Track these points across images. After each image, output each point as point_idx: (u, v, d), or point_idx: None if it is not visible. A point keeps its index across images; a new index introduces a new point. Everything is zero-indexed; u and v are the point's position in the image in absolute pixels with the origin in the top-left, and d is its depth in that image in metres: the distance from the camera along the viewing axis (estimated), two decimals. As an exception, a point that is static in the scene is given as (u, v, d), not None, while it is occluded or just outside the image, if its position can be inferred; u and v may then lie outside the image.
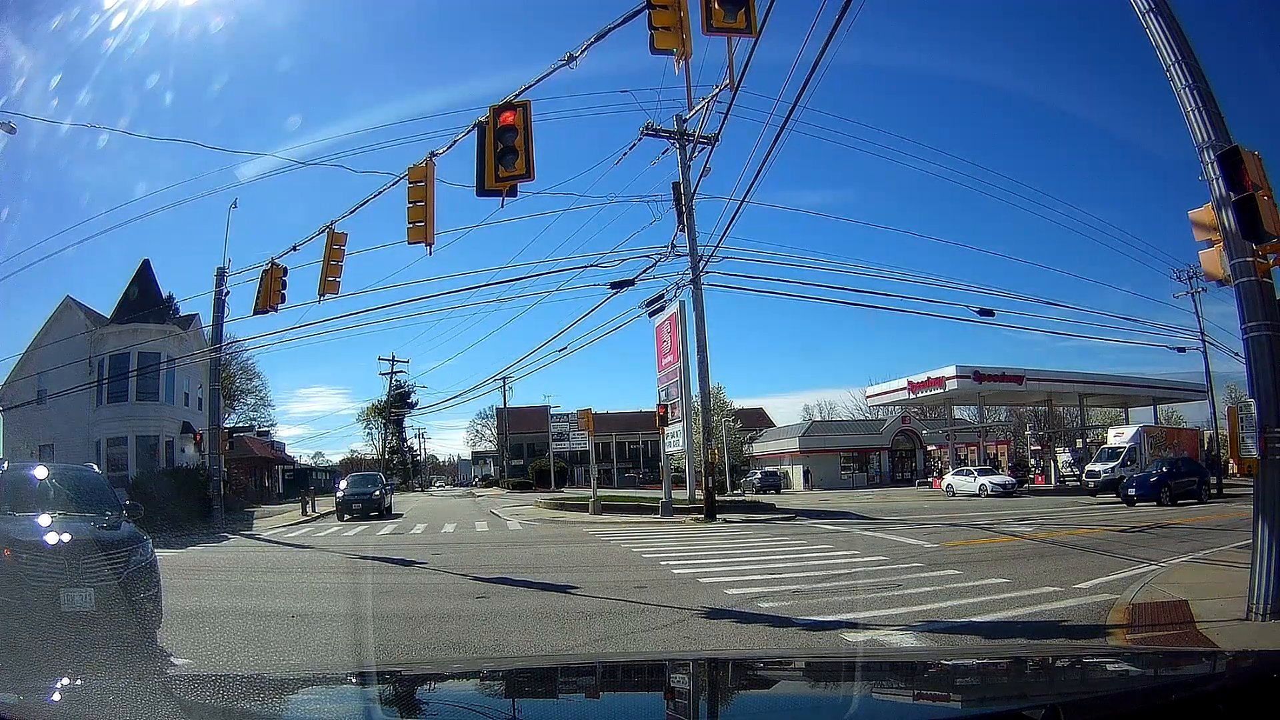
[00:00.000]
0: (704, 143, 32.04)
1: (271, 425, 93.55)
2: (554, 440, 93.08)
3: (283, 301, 26.85)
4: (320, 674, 4.65)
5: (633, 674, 4.07)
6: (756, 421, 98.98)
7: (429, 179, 17.46)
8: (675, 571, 16.37)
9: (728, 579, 15.11)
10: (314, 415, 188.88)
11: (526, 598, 13.81)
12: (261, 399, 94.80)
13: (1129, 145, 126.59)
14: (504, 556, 20.63)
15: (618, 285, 33.06)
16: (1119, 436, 50.13)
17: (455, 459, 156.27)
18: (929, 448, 78.90)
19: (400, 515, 41.05)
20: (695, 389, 36.30)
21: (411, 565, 19.24)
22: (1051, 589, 13.12)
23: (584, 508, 37.88)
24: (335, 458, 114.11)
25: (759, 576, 15.37)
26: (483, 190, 15.59)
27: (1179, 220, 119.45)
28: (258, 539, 29.46)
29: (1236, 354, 49.99)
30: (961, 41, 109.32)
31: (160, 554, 11.05)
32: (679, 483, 43.09)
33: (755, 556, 19.12)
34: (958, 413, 72.29)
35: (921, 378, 61.18)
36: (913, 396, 64.47)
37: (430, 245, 17.31)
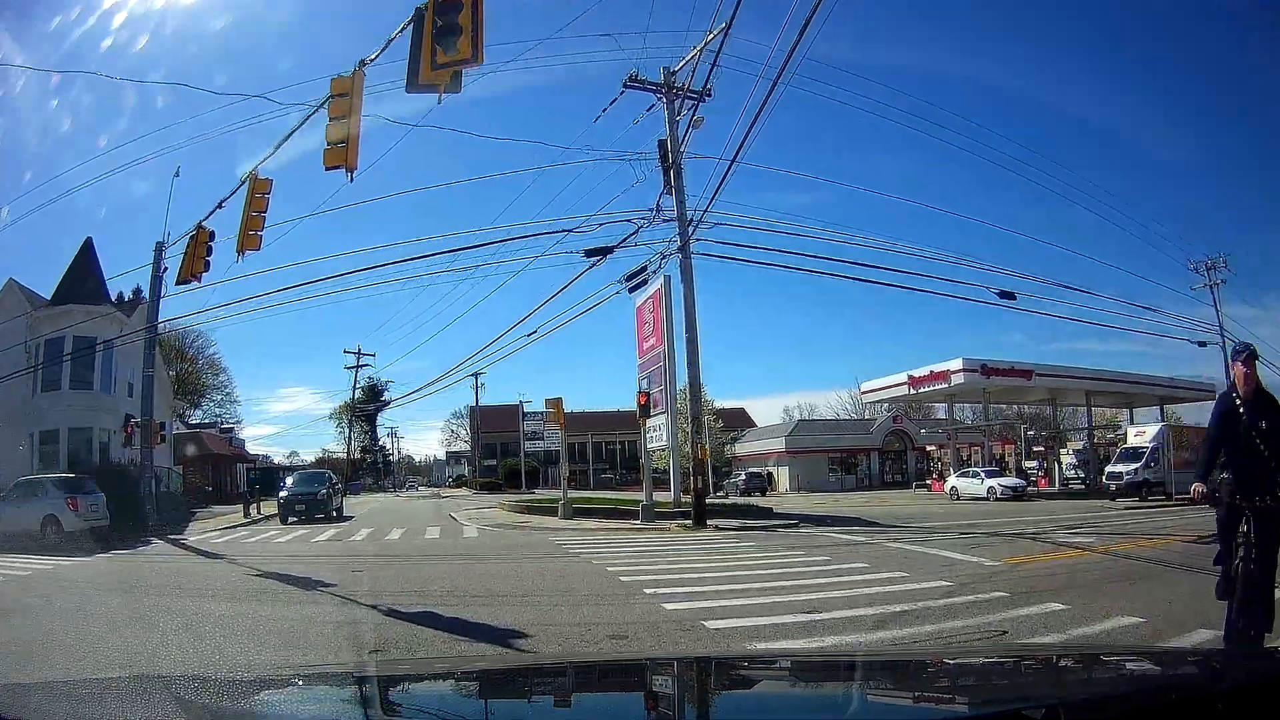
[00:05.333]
0: (693, 98, 28.44)
1: (237, 422, 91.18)
2: (527, 439, 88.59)
3: (206, 270, 24.38)
4: (322, 672, 4.60)
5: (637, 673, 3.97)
6: (738, 421, 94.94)
7: (354, 90, 15.29)
8: (667, 607, 11.62)
9: (747, 620, 10.57)
10: (289, 414, 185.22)
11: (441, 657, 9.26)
12: (228, 395, 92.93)
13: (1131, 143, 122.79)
14: (442, 576, 15.94)
15: (594, 253, 29.21)
16: (1140, 436, 46.12)
17: (431, 459, 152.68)
18: (928, 448, 74.85)
19: (350, 518, 36.57)
20: (681, 380, 32.26)
21: (315, 589, 14.40)
22: (1213, 633, 8.56)
23: (553, 511, 33.48)
24: (310, 457, 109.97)
25: (792, 619, 10.62)
26: (415, 84, 13.39)
27: (1189, 213, 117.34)
28: (179, 545, 25.40)
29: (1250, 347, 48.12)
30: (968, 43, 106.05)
31: (43, 562, 8.94)
32: (661, 484, 38.89)
33: (770, 581, 14.43)
34: (945, 411, 68.57)
35: (924, 371, 57.20)
36: (913, 392, 60.26)
37: (352, 170, 15.18)
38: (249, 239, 20.66)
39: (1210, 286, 50.10)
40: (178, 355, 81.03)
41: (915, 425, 78.95)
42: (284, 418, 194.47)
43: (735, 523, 27.42)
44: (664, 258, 30.00)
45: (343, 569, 17.20)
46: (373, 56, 15.78)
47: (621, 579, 14.69)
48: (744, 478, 66.89)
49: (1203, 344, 45.53)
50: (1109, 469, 44.89)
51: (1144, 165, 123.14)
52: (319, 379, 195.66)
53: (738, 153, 24.53)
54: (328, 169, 15.10)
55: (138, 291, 48.94)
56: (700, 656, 5.86)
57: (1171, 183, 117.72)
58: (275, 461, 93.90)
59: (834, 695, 3.26)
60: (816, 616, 10.71)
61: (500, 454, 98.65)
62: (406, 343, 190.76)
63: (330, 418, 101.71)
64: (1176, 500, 39.35)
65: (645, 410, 31.48)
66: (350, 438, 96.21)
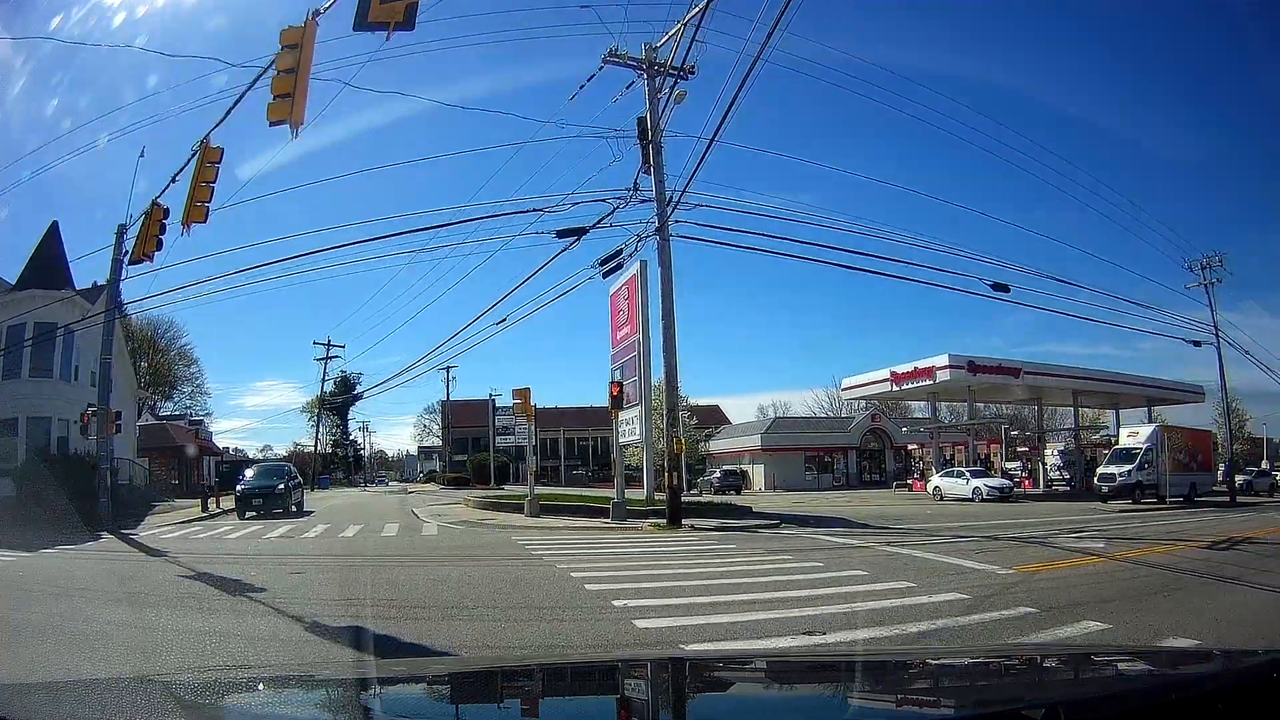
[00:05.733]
0: (675, 74, 26.71)
1: (207, 414, 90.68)
2: (498, 434, 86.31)
3: (158, 248, 23.58)
4: (324, 673, 4.59)
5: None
6: (712, 419, 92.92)
7: (305, 40, 14.39)
8: (639, 624, 9.86)
9: (733, 644, 8.93)
10: (263, 408, 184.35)
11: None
12: (198, 387, 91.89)
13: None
14: (387, 582, 14.08)
15: (567, 234, 27.19)
16: (1134, 437, 44.58)
17: (404, 454, 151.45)
18: (909, 447, 72.46)
19: (310, 513, 34.78)
20: (657, 371, 30.21)
21: (242, 594, 12.62)
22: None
23: (519, 508, 31.44)
24: (284, 451, 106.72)
25: (788, 642, 8.87)
26: (364, 21, 12.90)
27: (1186, 212, 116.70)
28: (127, 540, 23.60)
29: (1248, 353, 46.16)
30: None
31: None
32: (635, 481, 37.15)
33: (758, 592, 12.63)
34: (925, 410, 66.98)
35: (907, 368, 55.28)
36: (896, 388, 58.21)
37: (297, 125, 14.49)
38: (195, 211, 19.59)
39: (1205, 286, 48.27)
40: (150, 346, 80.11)
41: (894, 424, 77.46)
42: (258, 411, 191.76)
43: (713, 522, 25.64)
44: (640, 240, 28.13)
45: (281, 571, 15.51)
46: (326, 6, 14.54)
47: (587, 587, 12.88)
48: (719, 475, 65.06)
49: (1198, 343, 43.77)
50: (1101, 470, 43.56)
51: (1145, 165, 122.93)
52: (294, 372, 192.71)
53: (718, 128, 23.14)
54: (271, 124, 14.49)
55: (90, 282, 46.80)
56: (684, 657, 5.91)
57: (1171, 183, 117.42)
58: (248, 455, 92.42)
59: (836, 695, 3.28)
60: (818, 640, 8.97)
61: (471, 449, 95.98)
62: (379, 333, 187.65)
63: (302, 411, 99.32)
64: (1171, 504, 38.54)
65: (617, 402, 29.70)
66: (319, 431, 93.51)
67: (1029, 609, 10.54)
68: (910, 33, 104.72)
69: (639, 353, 29.76)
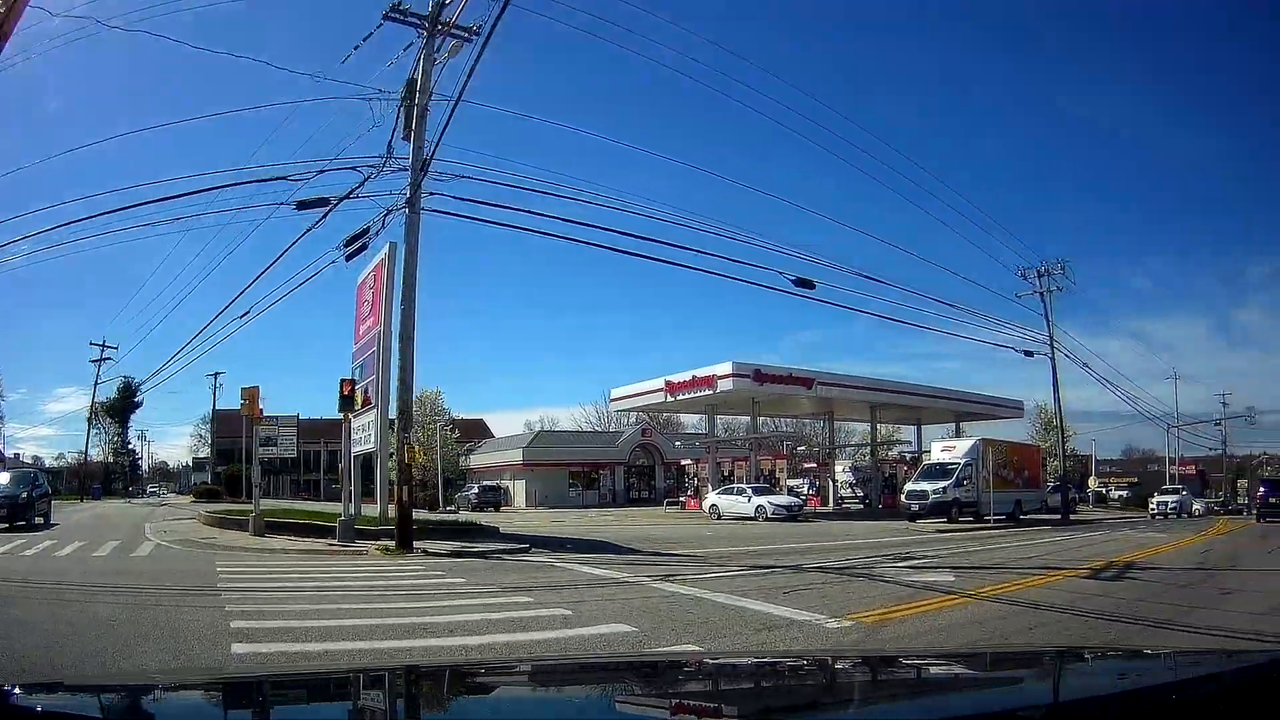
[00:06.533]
0: (459, 34, 22.61)
1: None
2: (261, 445, 78.99)
3: None
4: (325, 672, 4.79)
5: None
6: (477, 432, 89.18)
7: None
8: None
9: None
10: (62, 415, 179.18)
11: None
12: None
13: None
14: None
15: (308, 205, 23.21)
16: (949, 451, 42.79)
17: (183, 465, 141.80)
18: (682, 462, 67.64)
19: (54, 526, 30.86)
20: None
21: None
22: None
23: (248, 525, 26.90)
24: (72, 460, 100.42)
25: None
26: None
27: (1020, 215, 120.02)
28: None
29: (1086, 365, 45.06)
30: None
31: None
32: (373, 496, 32.24)
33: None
34: (695, 425, 64.21)
35: (685, 376, 50.66)
36: (671, 399, 53.59)
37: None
38: None
39: (1041, 294, 47.11)
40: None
41: (666, 439, 74.99)
42: (58, 418, 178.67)
43: (449, 546, 21.21)
44: (389, 214, 23.27)
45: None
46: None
47: (235, 649, 8.54)
48: (477, 491, 60.99)
49: (1029, 354, 43.27)
50: (910, 487, 41.29)
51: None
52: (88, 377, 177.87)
53: (469, 75, 20.18)
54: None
55: None
56: (693, 657, 6.72)
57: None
58: (45, 463, 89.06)
59: (833, 694, 3.25)
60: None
61: (240, 459, 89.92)
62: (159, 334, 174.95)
63: (88, 418, 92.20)
64: (995, 523, 36.57)
65: (348, 403, 24.89)
66: (88, 440, 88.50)
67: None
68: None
69: (378, 349, 24.72)
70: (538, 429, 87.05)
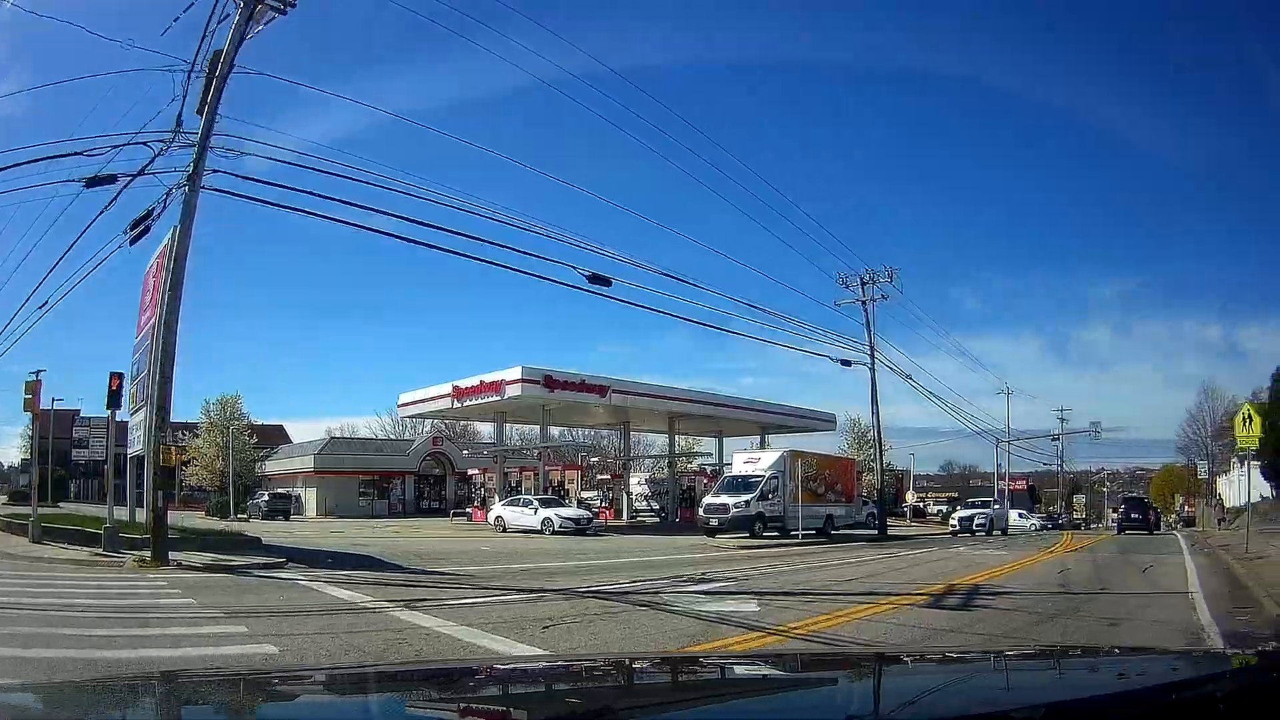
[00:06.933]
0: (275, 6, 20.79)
1: None
2: (74, 445, 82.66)
3: None
4: (326, 670, 4.99)
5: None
6: (277, 439, 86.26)
7: None
8: None
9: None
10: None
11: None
12: None
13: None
14: None
15: (98, 182, 21.42)
16: (753, 463, 40.46)
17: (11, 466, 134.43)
18: (471, 472, 65.96)
19: None
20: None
21: None
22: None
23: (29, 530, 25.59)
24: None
25: None
26: None
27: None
28: None
29: (909, 377, 43.79)
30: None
31: None
32: (197, 503, 31.11)
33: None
34: (490, 434, 62.65)
35: (473, 381, 47.55)
36: (458, 405, 50.30)
37: None
38: None
39: (864, 303, 46.54)
40: None
41: (459, 447, 74.29)
42: None
43: (206, 559, 20.19)
44: (170, 193, 21.93)
45: None
46: None
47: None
48: (267, 499, 59.21)
49: (847, 363, 42.47)
50: (708, 500, 39.32)
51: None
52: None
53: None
54: None
55: None
56: (690, 656, 6.74)
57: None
58: None
59: (830, 692, 3.26)
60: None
61: (56, 461, 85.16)
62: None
63: None
64: (806, 540, 35.88)
65: (115, 399, 23.75)
66: None
67: None
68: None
69: (156, 339, 23.39)
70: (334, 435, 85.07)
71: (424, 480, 74.69)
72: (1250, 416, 23.35)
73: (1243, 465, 60.22)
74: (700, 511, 39.36)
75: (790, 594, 15.83)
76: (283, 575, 18.48)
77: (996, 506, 57.99)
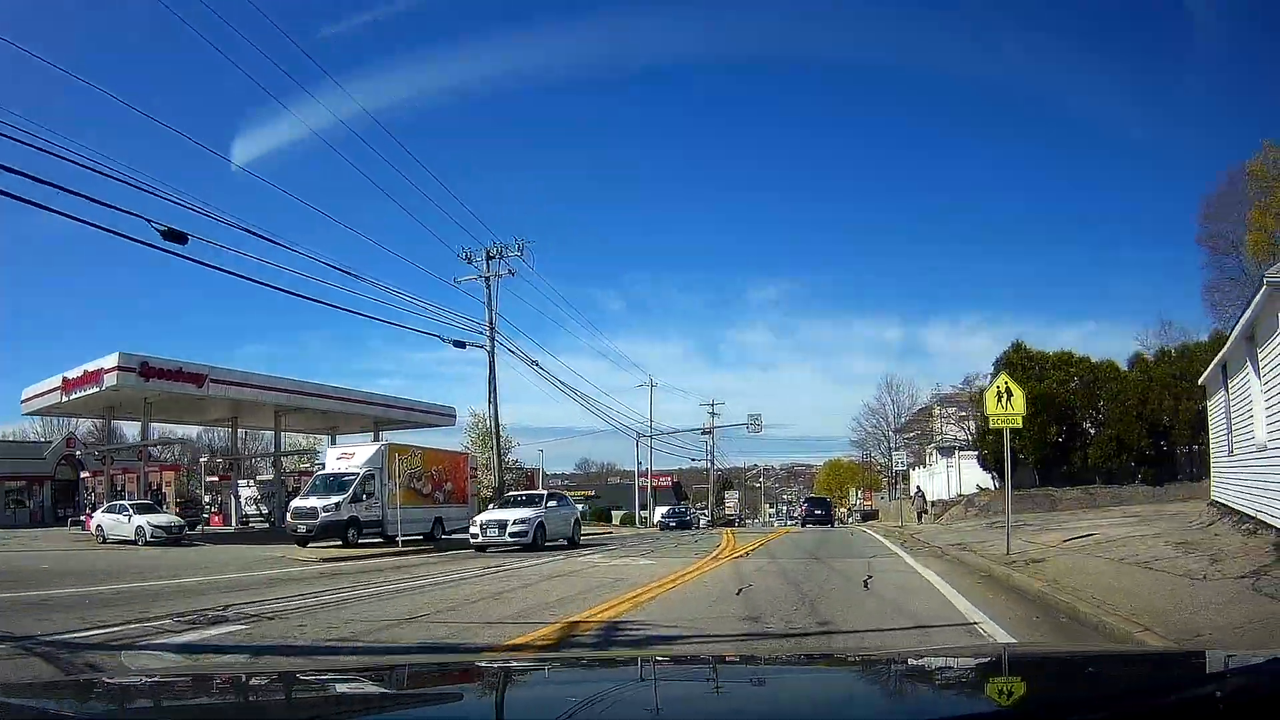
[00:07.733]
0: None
1: None
2: None
3: None
4: (326, 670, 4.64)
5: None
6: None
7: None
8: None
9: None
10: None
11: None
12: None
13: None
14: None
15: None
16: (346, 459, 36.19)
17: None
18: (82, 475, 59.78)
19: None
20: None
21: None
22: None
23: None
24: None
25: None
26: None
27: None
28: None
29: (536, 363, 39.53)
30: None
31: None
32: None
33: None
34: (135, 435, 56.32)
35: (78, 372, 40.85)
36: (66, 399, 43.12)
37: None
38: None
39: (486, 279, 42.08)
40: None
41: (91, 448, 65.41)
42: None
43: None
44: None
45: None
46: None
47: None
48: None
49: (461, 344, 37.79)
50: (296, 503, 34.22)
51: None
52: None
53: None
54: None
55: None
56: (686, 655, 6.50)
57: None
58: None
59: (825, 692, 3.19)
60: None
61: None
62: None
63: None
64: (409, 547, 31.43)
65: None
66: None
67: None
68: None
69: None
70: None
71: (60, 485, 66.48)
72: (1009, 389, 19.62)
73: (951, 456, 62.43)
74: (289, 517, 34.27)
75: (314, 649, 10.10)
76: None
77: (550, 504, 39.10)
